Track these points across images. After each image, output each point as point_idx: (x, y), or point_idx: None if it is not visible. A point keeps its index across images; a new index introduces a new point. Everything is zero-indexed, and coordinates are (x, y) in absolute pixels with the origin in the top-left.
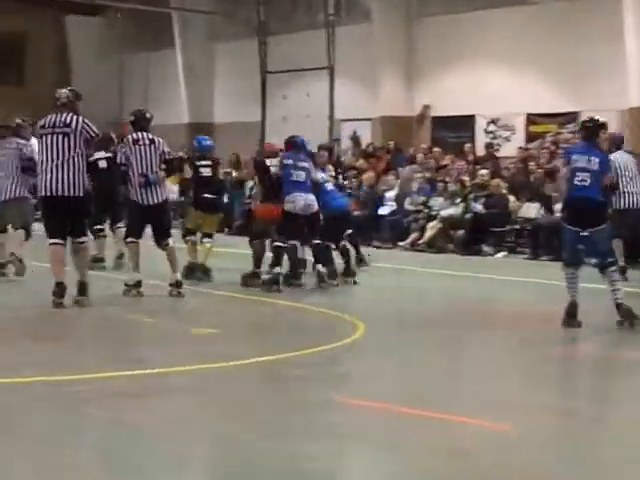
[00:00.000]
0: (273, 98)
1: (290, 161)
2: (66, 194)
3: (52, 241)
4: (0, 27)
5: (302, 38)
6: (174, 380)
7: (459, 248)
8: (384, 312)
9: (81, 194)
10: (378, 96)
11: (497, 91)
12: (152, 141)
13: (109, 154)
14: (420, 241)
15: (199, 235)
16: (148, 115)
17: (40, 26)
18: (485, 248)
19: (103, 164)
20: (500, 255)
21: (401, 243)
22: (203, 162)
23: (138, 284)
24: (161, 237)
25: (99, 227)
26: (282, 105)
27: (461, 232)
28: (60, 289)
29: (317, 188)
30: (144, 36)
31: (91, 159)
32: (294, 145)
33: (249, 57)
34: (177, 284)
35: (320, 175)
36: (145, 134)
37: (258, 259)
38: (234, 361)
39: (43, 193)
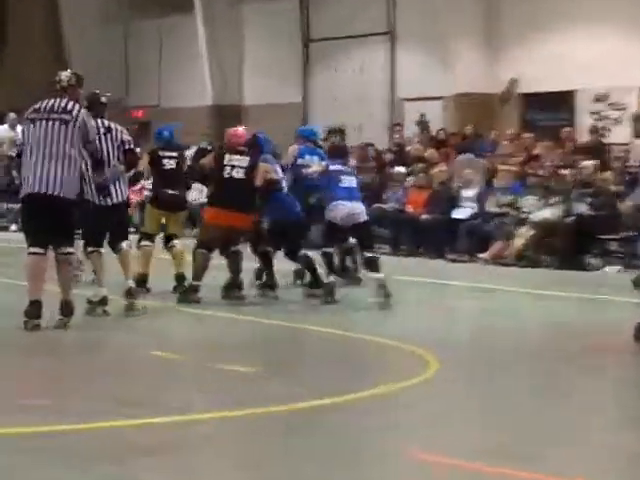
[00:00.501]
0: (318, 73)
1: (338, 166)
2: (55, 193)
3: (32, 250)
4: None
5: None
6: (200, 430)
7: (557, 261)
8: (461, 343)
9: (73, 196)
10: (451, 69)
11: (603, 60)
12: (108, 129)
13: None
14: (506, 252)
15: (160, 239)
16: (104, 99)
17: None
18: (591, 261)
19: None
20: (611, 270)
21: (481, 255)
22: (167, 153)
23: (104, 301)
24: (117, 240)
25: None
26: (330, 82)
27: (560, 240)
28: (35, 308)
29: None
30: None
31: None
32: (336, 150)
33: (286, 22)
34: (130, 292)
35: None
36: (100, 121)
37: (198, 270)
38: (276, 405)
39: (28, 190)
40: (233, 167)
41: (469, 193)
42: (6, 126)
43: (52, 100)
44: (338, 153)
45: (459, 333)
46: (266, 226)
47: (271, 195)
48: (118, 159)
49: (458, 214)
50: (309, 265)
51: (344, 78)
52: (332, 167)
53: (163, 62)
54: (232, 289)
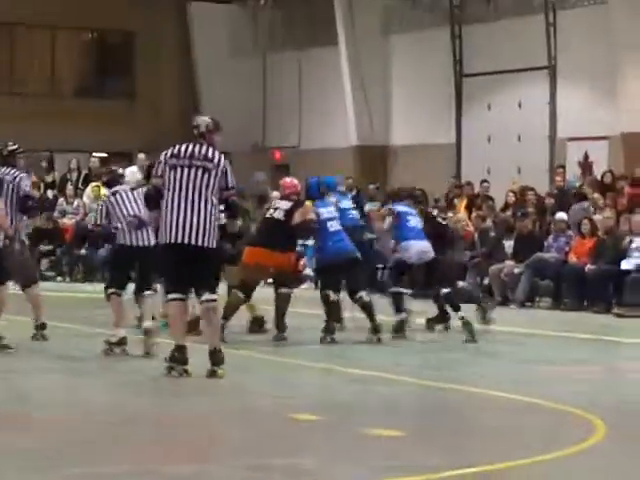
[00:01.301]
0: (470, 111)
1: (405, 208)
2: (199, 244)
3: (173, 296)
4: (102, 26)
5: (509, 27)
6: None
7: None
8: (631, 408)
9: (214, 244)
10: (618, 105)
11: None
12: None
13: None
14: None
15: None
16: (10, 147)
17: (153, 21)
18: None
19: None
20: None
21: None
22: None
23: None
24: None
25: None
26: (484, 120)
27: None
28: (182, 353)
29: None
30: (296, 29)
31: None
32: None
33: (437, 54)
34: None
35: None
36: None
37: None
38: (429, 474)
39: (171, 239)
40: (276, 209)
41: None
42: (135, 167)
43: (191, 146)
44: (403, 196)
45: (628, 396)
46: (318, 266)
47: (322, 234)
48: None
49: (627, 265)
50: (367, 308)
51: (499, 116)
52: (399, 208)
53: (303, 99)
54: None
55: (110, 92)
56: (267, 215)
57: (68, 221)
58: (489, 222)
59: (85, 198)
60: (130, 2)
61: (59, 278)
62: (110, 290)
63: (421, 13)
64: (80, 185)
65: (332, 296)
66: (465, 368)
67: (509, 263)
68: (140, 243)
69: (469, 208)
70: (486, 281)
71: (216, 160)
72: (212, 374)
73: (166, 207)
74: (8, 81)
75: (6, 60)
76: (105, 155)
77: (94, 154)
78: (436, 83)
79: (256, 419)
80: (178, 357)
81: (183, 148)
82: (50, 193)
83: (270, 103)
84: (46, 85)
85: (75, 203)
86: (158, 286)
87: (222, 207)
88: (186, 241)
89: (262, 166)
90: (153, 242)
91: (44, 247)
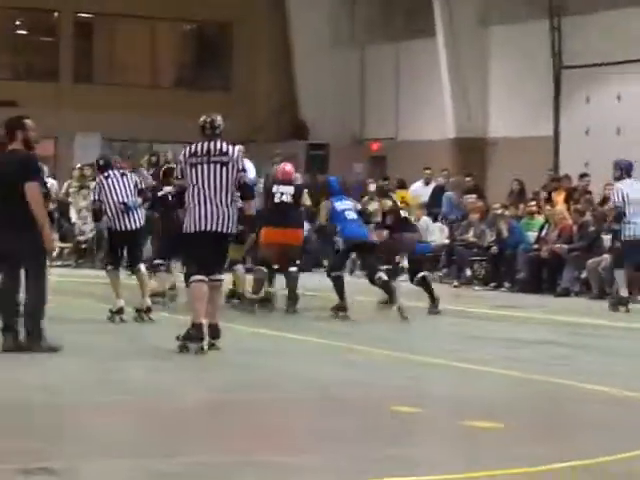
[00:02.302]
0: (569, 103)
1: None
2: (223, 230)
3: (197, 278)
4: (200, 17)
5: (609, 19)
6: None
7: None
8: None
9: (233, 231)
10: None
11: None
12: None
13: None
14: None
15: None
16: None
17: (251, 12)
18: None
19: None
20: None
21: None
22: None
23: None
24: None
25: (160, 262)
26: (582, 113)
27: None
28: (200, 331)
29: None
30: (393, 21)
31: (160, 193)
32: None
33: (536, 46)
34: (148, 310)
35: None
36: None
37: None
38: (537, 466)
39: (199, 227)
40: (282, 194)
41: None
42: None
43: (206, 143)
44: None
45: None
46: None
47: (340, 223)
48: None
49: None
50: (386, 287)
51: (598, 109)
52: None
53: (401, 90)
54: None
55: (207, 83)
56: (276, 201)
57: None
58: (588, 216)
59: None
60: None
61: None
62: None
63: (519, 5)
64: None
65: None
66: (558, 360)
67: (607, 257)
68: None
69: (567, 201)
70: (583, 275)
71: (230, 152)
72: (211, 346)
73: (192, 201)
74: (108, 72)
75: (106, 52)
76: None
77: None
78: (534, 75)
79: (351, 409)
80: (194, 334)
81: (199, 146)
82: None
83: (367, 95)
84: (145, 76)
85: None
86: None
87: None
88: (213, 229)
89: (359, 158)
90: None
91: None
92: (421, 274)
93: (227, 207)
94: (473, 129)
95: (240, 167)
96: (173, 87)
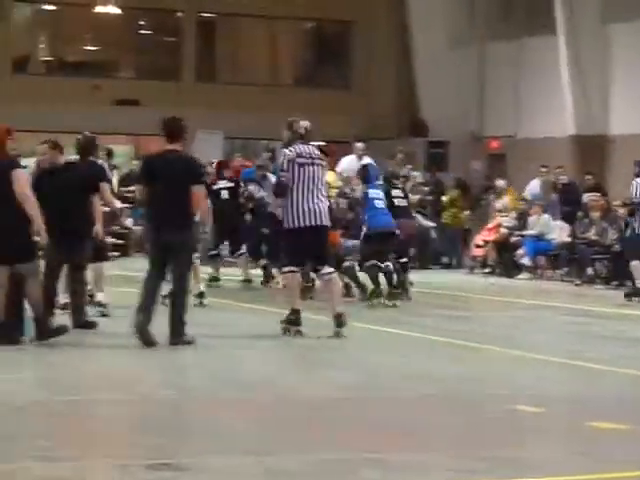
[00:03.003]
0: None
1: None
2: (323, 224)
3: (291, 269)
4: (321, 16)
5: None
6: None
7: None
8: None
9: (329, 224)
10: None
11: None
12: None
13: (231, 184)
14: None
15: None
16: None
17: (370, 10)
18: None
19: (225, 194)
20: None
21: None
22: None
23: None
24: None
25: (215, 252)
26: None
27: None
28: (297, 317)
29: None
30: (513, 18)
31: (214, 187)
32: None
33: None
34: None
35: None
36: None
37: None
38: None
39: (302, 223)
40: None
41: None
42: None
43: (304, 146)
44: None
45: None
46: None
47: (370, 210)
48: None
49: None
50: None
51: None
52: None
53: (520, 88)
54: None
55: (327, 81)
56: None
57: None
58: None
59: None
60: None
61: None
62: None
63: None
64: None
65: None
66: None
67: None
68: None
69: None
70: None
71: (322, 157)
72: (337, 334)
73: (297, 197)
74: (230, 71)
75: (228, 51)
76: (323, 144)
77: (312, 142)
78: None
79: (473, 407)
80: (293, 319)
81: (303, 149)
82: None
83: (487, 92)
84: (265, 75)
85: None
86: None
87: None
88: (318, 223)
89: (479, 155)
90: None
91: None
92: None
93: (325, 203)
94: (593, 126)
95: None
96: (293, 85)
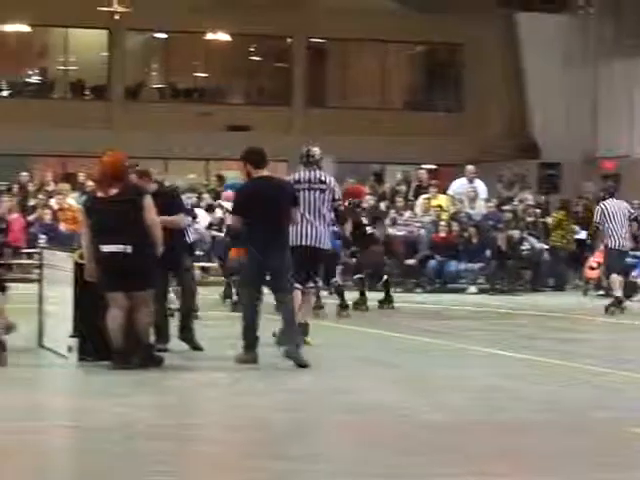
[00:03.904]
0: None
1: None
2: (318, 246)
3: (297, 286)
4: (430, 39)
5: None
6: None
7: None
8: None
9: (328, 247)
10: None
11: None
12: None
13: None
14: None
15: None
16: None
17: (480, 33)
18: None
19: None
20: None
21: None
22: None
23: None
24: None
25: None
26: None
27: None
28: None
29: None
30: (626, 38)
31: None
32: None
33: None
34: None
35: None
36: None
37: None
38: None
39: (301, 242)
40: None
41: None
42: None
43: (307, 172)
44: None
45: None
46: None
47: None
48: None
49: None
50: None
51: None
52: None
53: (635, 107)
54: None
55: (438, 104)
56: None
57: (398, 232)
58: None
59: (417, 209)
60: (457, 15)
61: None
62: None
63: None
64: (410, 197)
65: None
66: None
67: None
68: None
69: None
70: None
71: (328, 181)
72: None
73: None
74: (340, 96)
75: (338, 75)
76: (434, 167)
77: (422, 166)
78: None
79: (594, 430)
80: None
81: (303, 175)
82: (382, 204)
83: (600, 113)
84: (376, 99)
85: (406, 215)
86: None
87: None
88: (310, 244)
89: (592, 176)
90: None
91: None
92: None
93: (322, 226)
94: None
95: (336, 196)
96: (403, 109)
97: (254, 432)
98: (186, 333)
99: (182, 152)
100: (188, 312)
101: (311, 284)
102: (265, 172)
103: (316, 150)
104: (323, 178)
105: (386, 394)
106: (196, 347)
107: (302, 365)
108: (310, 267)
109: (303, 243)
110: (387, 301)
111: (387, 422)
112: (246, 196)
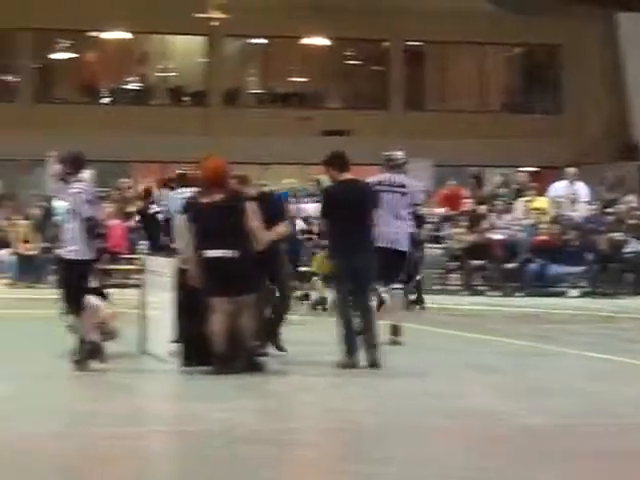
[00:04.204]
0: None
1: None
2: (394, 247)
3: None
4: (528, 41)
5: None
6: None
7: None
8: None
9: (405, 249)
10: None
11: None
12: None
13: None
14: None
15: None
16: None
17: (580, 34)
18: None
19: None
20: None
21: None
22: None
23: None
24: None
25: None
26: None
27: None
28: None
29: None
30: None
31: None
32: None
33: None
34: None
35: None
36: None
37: None
38: None
39: (380, 244)
40: None
41: None
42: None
43: (389, 175)
44: None
45: None
46: None
47: None
48: None
49: None
50: None
51: None
52: None
53: None
54: None
55: (537, 106)
56: None
57: (497, 236)
58: None
59: (517, 212)
60: (555, 16)
61: (490, 292)
62: None
63: None
64: (511, 200)
65: None
66: None
67: None
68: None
69: None
70: None
71: (408, 185)
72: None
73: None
74: (439, 98)
75: (436, 78)
76: (535, 169)
77: (521, 168)
78: None
79: None
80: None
81: (385, 177)
82: (483, 208)
83: None
84: (474, 101)
85: (506, 218)
86: None
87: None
88: (388, 245)
89: None
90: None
91: (476, 261)
92: None
93: (401, 228)
94: None
95: (417, 201)
96: (502, 111)
97: (349, 435)
98: (272, 336)
99: (280, 157)
100: (281, 317)
101: (397, 285)
102: (348, 175)
103: (399, 154)
104: (404, 182)
105: (484, 398)
106: (280, 348)
107: (374, 365)
108: (387, 268)
109: (380, 245)
110: (419, 301)
111: (487, 425)
112: (332, 199)
